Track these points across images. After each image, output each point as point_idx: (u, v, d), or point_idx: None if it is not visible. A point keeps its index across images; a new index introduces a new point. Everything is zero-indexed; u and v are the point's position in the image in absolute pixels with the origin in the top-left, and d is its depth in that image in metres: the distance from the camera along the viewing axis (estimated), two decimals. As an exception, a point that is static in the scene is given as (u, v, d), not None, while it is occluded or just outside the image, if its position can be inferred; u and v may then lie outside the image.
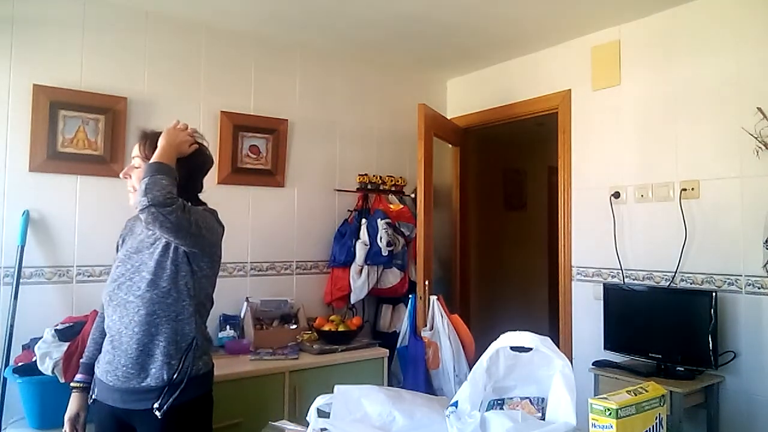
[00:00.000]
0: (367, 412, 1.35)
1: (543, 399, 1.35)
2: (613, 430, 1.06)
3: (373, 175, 3.68)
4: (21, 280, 2.51)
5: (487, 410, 1.33)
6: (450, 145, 4.03)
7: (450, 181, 4.10)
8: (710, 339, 2.47)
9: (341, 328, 3.03)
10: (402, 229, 3.55)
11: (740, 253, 2.57)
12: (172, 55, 2.99)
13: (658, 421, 1.14)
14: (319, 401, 1.40)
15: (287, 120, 3.34)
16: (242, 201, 3.19)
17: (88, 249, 2.69)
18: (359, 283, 3.36)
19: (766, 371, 2.48)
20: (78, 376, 1.79)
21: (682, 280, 2.76)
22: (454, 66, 3.89)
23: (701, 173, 2.71)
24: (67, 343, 2.22)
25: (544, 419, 1.29)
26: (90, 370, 1.76)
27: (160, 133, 1.73)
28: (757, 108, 2.48)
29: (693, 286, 2.71)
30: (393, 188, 3.75)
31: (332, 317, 3.15)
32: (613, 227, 3.02)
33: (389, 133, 3.82)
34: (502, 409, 1.35)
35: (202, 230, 1.66)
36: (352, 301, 3.42)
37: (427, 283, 3.30)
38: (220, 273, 1.86)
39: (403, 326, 3.35)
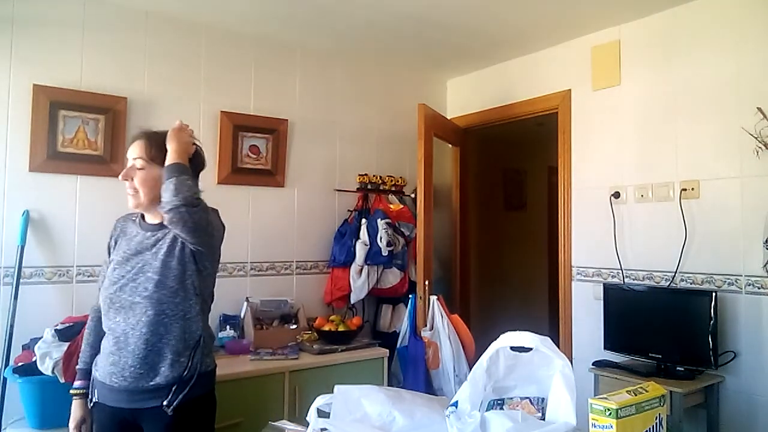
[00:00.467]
0: (367, 412, 1.35)
1: (543, 399, 1.35)
2: (613, 430, 1.06)
3: (373, 175, 3.68)
4: (21, 280, 2.51)
5: (487, 410, 1.33)
6: (450, 145, 4.03)
7: (450, 181, 4.10)
8: (710, 339, 2.47)
9: (341, 328, 3.03)
10: (402, 229, 3.55)
11: (740, 253, 2.57)
12: (172, 55, 2.99)
13: (658, 421, 1.14)
14: (319, 401, 1.40)
15: (287, 120, 3.34)
16: (242, 201, 3.19)
17: (88, 249, 2.69)
18: (359, 283, 3.36)
19: (766, 371, 2.48)
20: (77, 383, 1.77)
21: (682, 280, 2.76)
22: (454, 66, 3.89)
23: (701, 173, 2.71)
24: (67, 343, 2.22)
25: (544, 419, 1.30)
26: (89, 375, 1.75)
27: (163, 133, 1.74)
28: (757, 108, 2.48)
29: (693, 286, 2.71)
30: (393, 188, 3.75)
31: (332, 317, 3.15)
32: (613, 227, 3.02)
33: (389, 133, 3.82)
34: (502, 409, 1.35)
35: (213, 230, 1.72)
36: (352, 301, 3.42)
37: (427, 283, 3.30)
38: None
39: (403, 326, 3.35)
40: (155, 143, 1.74)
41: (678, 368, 2.55)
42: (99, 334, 1.75)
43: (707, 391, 2.54)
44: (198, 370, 1.68)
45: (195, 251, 1.69)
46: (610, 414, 1.06)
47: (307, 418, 1.38)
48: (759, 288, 2.51)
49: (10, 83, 2.56)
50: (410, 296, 3.37)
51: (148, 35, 2.92)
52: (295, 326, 3.07)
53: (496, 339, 1.37)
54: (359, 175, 3.64)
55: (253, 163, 3.23)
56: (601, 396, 1.11)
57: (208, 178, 1.94)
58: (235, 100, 3.18)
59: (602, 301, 2.90)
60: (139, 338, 1.63)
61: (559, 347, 1.32)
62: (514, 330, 1.36)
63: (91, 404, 1.73)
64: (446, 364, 3.12)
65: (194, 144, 1.79)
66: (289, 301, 3.19)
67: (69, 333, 2.27)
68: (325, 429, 1.30)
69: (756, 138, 2.49)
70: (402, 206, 3.69)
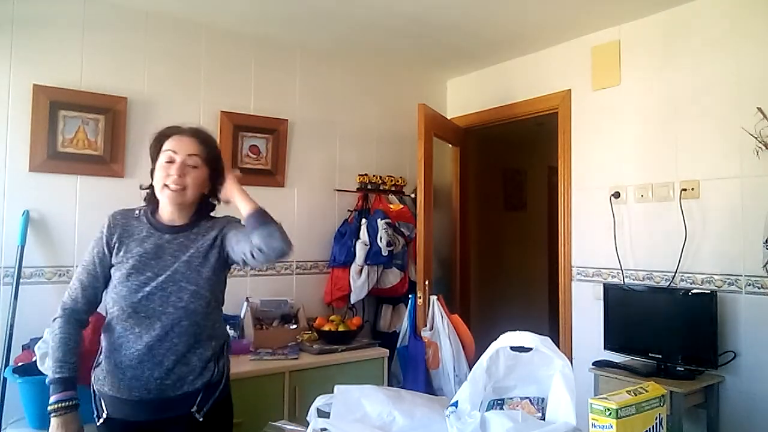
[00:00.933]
0: (367, 412, 1.35)
1: (543, 399, 1.35)
2: (613, 430, 1.06)
3: (373, 175, 3.68)
4: (21, 280, 2.51)
5: (487, 410, 1.33)
6: (450, 145, 4.03)
7: (450, 181, 4.10)
8: (710, 339, 2.47)
9: (341, 328, 3.03)
10: (402, 229, 3.54)
11: (740, 253, 2.57)
12: (172, 55, 2.99)
13: (658, 421, 1.14)
14: (319, 401, 1.41)
15: (287, 120, 3.34)
16: (242, 201, 3.19)
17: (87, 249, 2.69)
18: (359, 283, 3.36)
19: (766, 371, 2.48)
20: (64, 395, 1.51)
21: (682, 280, 2.76)
22: (454, 66, 3.89)
23: (701, 173, 2.71)
24: (67, 343, 2.21)
25: (544, 419, 1.29)
26: (74, 385, 1.56)
27: (210, 134, 1.74)
28: (757, 108, 2.48)
29: (693, 286, 2.71)
30: (393, 188, 3.75)
31: (332, 317, 3.15)
32: (613, 227, 3.02)
33: (389, 133, 3.82)
34: (502, 409, 1.35)
35: None
36: (352, 301, 3.42)
37: (427, 283, 3.30)
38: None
39: (403, 326, 3.35)
40: (207, 145, 1.69)
41: (678, 368, 2.55)
42: (79, 340, 1.61)
43: (707, 391, 2.54)
44: (225, 374, 1.68)
45: (232, 262, 1.68)
46: (610, 414, 1.06)
47: (307, 418, 1.38)
48: (759, 288, 2.50)
49: (10, 83, 2.56)
50: (410, 296, 3.37)
51: (148, 35, 2.92)
52: (295, 326, 3.08)
53: (496, 339, 1.37)
54: (359, 175, 3.64)
55: (253, 163, 3.23)
56: (601, 396, 1.11)
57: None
58: (235, 100, 3.18)
59: (602, 301, 2.90)
60: (169, 350, 1.56)
61: (559, 347, 1.32)
62: (514, 330, 1.36)
63: (100, 421, 1.60)
64: (446, 364, 3.12)
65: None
66: (289, 301, 3.19)
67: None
68: (325, 429, 1.30)
69: (756, 138, 2.49)
70: (402, 206, 3.69)
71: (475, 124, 3.97)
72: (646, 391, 1.14)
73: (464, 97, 4.06)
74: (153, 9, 2.90)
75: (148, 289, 1.57)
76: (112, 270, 1.62)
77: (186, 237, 1.65)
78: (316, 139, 3.49)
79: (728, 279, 2.61)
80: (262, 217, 1.62)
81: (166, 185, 1.61)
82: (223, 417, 1.70)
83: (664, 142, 2.86)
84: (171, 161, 1.62)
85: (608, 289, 2.91)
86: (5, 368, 2.36)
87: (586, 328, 3.15)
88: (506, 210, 5.41)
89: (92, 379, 1.64)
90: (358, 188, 3.63)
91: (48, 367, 1.57)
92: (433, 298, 3.26)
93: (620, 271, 2.99)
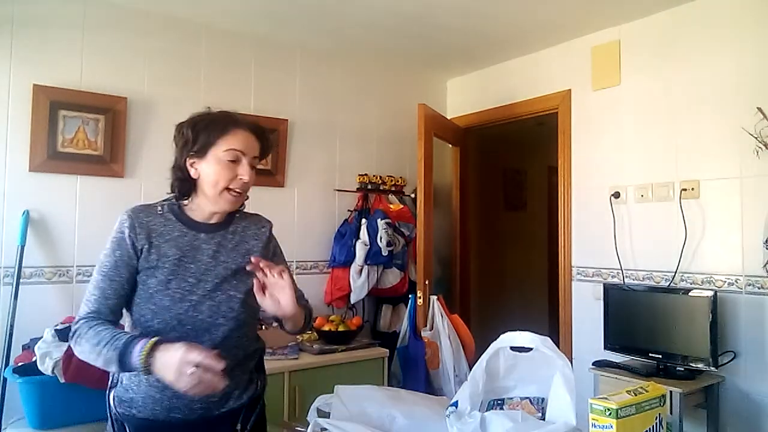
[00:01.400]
0: (367, 412, 1.35)
1: (543, 399, 1.35)
2: (613, 430, 1.06)
3: (373, 175, 3.68)
4: (21, 280, 2.51)
5: (487, 410, 1.33)
6: (450, 145, 4.03)
7: (450, 181, 4.10)
8: (710, 339, 2.47)
9: (341, 328, 3.03)
10: (402, 229, 3.54)
11: (740, 253, 2.57)
12: (172, 55, 2.99)
13: (658, 421, 1.14)
14: (319, 401, 1.41)
15: (287, 120, 3.34)
16: (242, 201, 3.19)
17: (88, 249, 2.69)
18: (359, 283, 3.36)
19: (766, 371, 2.48)
20: (144, 342, 1.24)
21: (682, 280, 2.76)
22: (454, 66, 3.89)
23: (701, 173, 2.71)
24: (67, 344, 2.21)
25: (544, 419, 1.29)
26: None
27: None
28: (757, 108, 2.48)
29: (693, 286, 2.71)
30: (393, 188, 3.75)
31: (332, 317, 3.15)
32: (613, 227, 3.02)
33: (389, 133, 3.82)
34: (502, 409, 1.35)
35: None
36: (352, 301, 3.42)
37: (427, 283, 3.29)
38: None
39: (403, 326, 3.35)
40: (264, 145, 1.52)
41: (678, 368, 2.55)
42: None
43: (707, 391, 2.54)
44: (264, 387, 1.57)
45: None
46: (610, 414, 1.06)
47: (307, 418, 1.38)
48: (759, 288, 2.50)
49: (10, 83, 2.56)
50: (410, 296, 3.37)
51: (148, 35, 2.92)
52: (295, 326, 3.07)
53: (496, 339, 1.37)
54: (359, 175, 3.64)
55: (253, 163, 3.22)
56: (601, 396, 1.11)
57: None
58: (235, 100, 3.18)
59: (602, 301, 2.90)
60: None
61: (559, 347, 1.32)
62: (514, 330, 1.36)
63: None
64: (446, 364, 3.12)
65: None
66: (289, 301, 3.19)
67: (69, 333, 2.26)
68: (325, 429, 1.30)
69: (756, 138, 2.49)
70: (402, 206, 3.69)
71: (475, 124, 3.97)
72: (646, 391, 1.14)
73: (464, 97, 4.06)
74: (153, 9, 2.90)
75: (194, 298, 1.39)
76: (142, 276, 1.40)
77: (223, 237, 1.48)
78: (316, 139, 3.49)
79: (728, 279, 2.61)
80: (304, 327, 1.54)
81: (229, 189, 1.42)
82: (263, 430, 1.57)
83: (664, 142, 2.86)
84: (236, 161, 1.43)
85: (608, 289, 2.91)
86: (5, 368, 2.36)
87: (586, 328, 3.15)
88: (506, 210, 5.41)
89: (110, 402, 1.42)
90: (358, 188, 3.63)
91: (105, 356, 1.25)
92: (433, 298, 3.26)
93: (620, 271, 2.99)
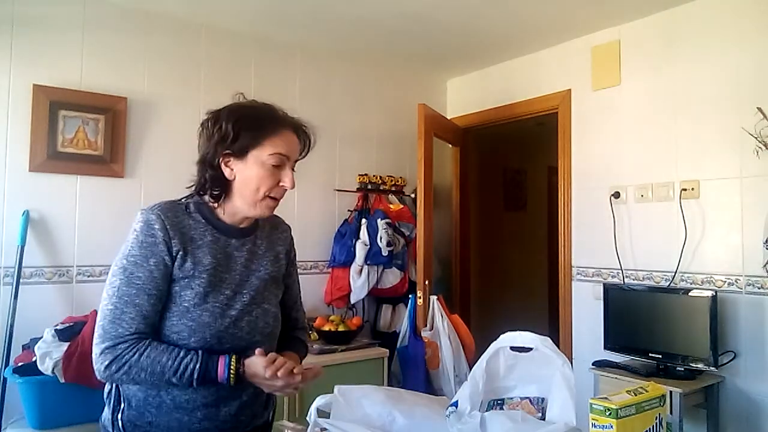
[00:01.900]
0: (367, 412, 1.34)
1: (543, 399, 1.35)
2: (613, 430, 1.06)
3: (373, 175, 3.68)
4: (21, 280, 2.51)
5: (487, 410, 1.33)
6: (450, 145, 4.03)
7: (450, 181, 4.10)
8: (710, 339, 2.47)
9: (341, 328, 3.03)
10: (402, 229, 3.54)
11: (740, 253, 2.57)
12: (172, 55, 2.99)
13: (658, 421, 1.14)
14: (319, 401, 1.40)
15: (287, 120, 3.34)
16: (242, 201, 3.19)
17: (88, 249, 2.69)
18: (359, 283, 3.36)
19: (766, 371, 2.48)
20: (222, 360, 1.21)
21: (682, 280, 2.76)
22: (454, 66, 3.89)
23: (701, 173, 2.71)
24: (67, 343, 2.22)
25: (544, 419, 1.29)
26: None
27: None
28: (757, 108, 2.48)
29: (693, 286, 2.71)
30: (393, 188, 3.75)
31: (332, 317, 3.15)
32: (613, 227, 3.02)
33: (389, 133, 3.82)
34: (502, 409, 1.35)
35: None
36: (352, 301, 3.42)
37: (427, 283, 3.29)
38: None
39: (403, 326, 3.35)
40: (306, 146, 1.44)
41: (678, 368, 2.55)
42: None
43: (707, 391, 2.54)
44: (275, 399, 1.49)
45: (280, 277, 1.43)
46: (610, 414, 1.06)
47: (307, 418, 1.38)
48: (759, 288, 2.50)
49: (10, 83, 2.56)
50: (410, 296, 3.37)
51: (148, 35, 2.92)
52: (295, 326, 3.07)
53: (496, 339, 1.37)
54: (359, 175, 3.64)
55: (253, 163, 3.22)
56: (601, 396, 1.11)
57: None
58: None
59: (602, 301, 2.90)
60: (250, 384, 1.25)
61: (559, 347, 1.32)
62: (514, 330, 1.36)
63: None
64: (446, 364, 3.12)
65: None
66: (289, 301, 3.19)
67: (69, 333, 2.27)
68: (325, 429, 1.30)
69: (756, 138, 2.49)
70: (402, 206, 3.69)
71: (475, 124, 3.97)
72: (646, 391, 1.14)
73: (464, 97, 4.06)
74: (153, 9, 2.90)
75: (233, 312, 1.26)
76: (175, 287, 1.23)
77: (252, 243, 1.36)
78: (316, 139, 3.49)
79: (728, 279, 2.61)
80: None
81: (271, 197, 1.31)
82: None
83: (664, 142, 2.86)
84: (280, 165, 1.31)
85: (608, 289, 2.91)
86: (5, 368, 2.36)
87: (586, 328, 3.15)
88: (506, 210, 5.41)
89: (119, 426, 1.26)
90: (358, 188, 3.63)
91: (179, 374, 1.18)
92: (433, 298, 3.26)
93: (620, 271, 2.99)
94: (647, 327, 2.71)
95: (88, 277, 2.70)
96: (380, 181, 3.69)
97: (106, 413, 1.30)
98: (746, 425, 2.52)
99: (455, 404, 1.31)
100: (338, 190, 3.57)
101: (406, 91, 3.89)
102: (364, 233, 3.39)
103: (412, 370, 3.14)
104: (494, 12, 2.92)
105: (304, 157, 1.44)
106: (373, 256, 3.36)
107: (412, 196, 3.72)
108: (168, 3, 2.85)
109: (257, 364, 1.21)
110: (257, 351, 1.23)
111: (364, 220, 3.44)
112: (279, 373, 1.20)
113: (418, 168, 3.35)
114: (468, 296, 4.17)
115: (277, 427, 1.52)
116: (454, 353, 3.13)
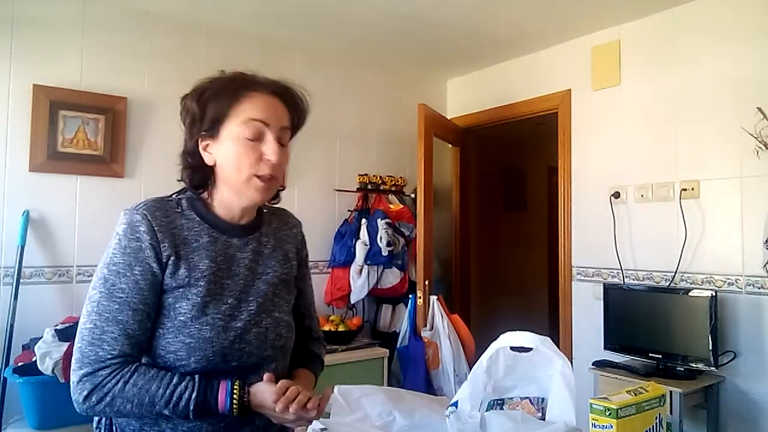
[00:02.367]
0: (367, 412, 1.34)
1: (543, 399, 1.34)
2: (613, 430, 1.06)
3: (373, 175, 3.68)
4: (21, 280, 2.51)
5: (487, 410, 1.33)
6: (450, 145, 4.03)
7: (450, 181, 4.10)
8: (710, 339, 2.47)
9: (341, 328, 3.03)
10: (402, 229, 3.55)
11: (740, 253, 2.57)
12: (172, 55, 2.99)
13: (658, 421, 1.14)
14: (319, 401, 1.40)
15: (287, 120, 3.34)
16: (242, 201, 3.19)
17: (88, 249, 2.70)
18: (359, 283, 3.36)
19: (766, 371, 2.48)
20: (224, 385, 1.05)
21: (682, 280, 2.76)
22: (454, 66, 3.89)
23: (701, 173, 2.71)
24: (67, 343, 2.22)
25: (544, 419, 1.29)
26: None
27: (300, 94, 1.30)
28: (757, 108, 2.48)
29: (693, 286, 2.71)
30: (393, 188, 3.75)
31: (332, 317, 3.15)
32: (613, 227, 3.02)
33: (389, 133, 3.82)
34: (502, 409, 1.35)
35: None
36: (352, 301, 3.42)
37: (427, 283, 3.30)
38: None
39: (403, 326, 3.35)
40: (298, 110, 1.23)
41: (678, 368, 2.55)
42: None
43: (707, 391, 2.54)
44: None
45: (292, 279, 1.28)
46: (610, 414, 1.06)
47: (307, 418, 1.37)
48: (759, 288, 2.50)
49: (10, 83, 2.57)
50: (410, 296, 3.37)
51: (148, 35, 2.92)
52: (295, 326, 3.07)
53: (496, 339, 1.37)
54: (359, 175, 3.64)
55: (253, 163, 3.22)
56: (601, 396, 1.11)
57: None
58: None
59: (602, 301, 2.90)
60: None
61: (559, 347, 1.31)
62: (514, 330, 1.36)
63: None
64: (446, 364, 3.12)
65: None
66: (289, 301, 3.19)
67: (69, 333, 2.27)
68: (325, 429, 1.29)
69: (756, 138, 2.49)
70: (402, 206, 3.69)
71: (475, 124, 3.97)
72: (646, 391, 1.14)
73: (464, 97, 4.06)
74: (153, 9, 2.90)
75: (238, 324, 1.09)
76: (168, 299, 1.06)
77: (257, 242, 1.19)
78: (316, 138, 3.49)
79: (728, 279, 2.61)
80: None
81: (257, 176, 1.10)
82: None
83: (664, 142, 2.86)
84: (258, 138, 1.10)
85: (608, 289, 2.91)
86: (5, 368, 2.36)
87: (586, 328, 3.15)
88: (506, 210, 5.41)
89: None
90: (358, 188, 3.63)
91: (171, 405, 1.01)
92: (433, 298, 3.26)
93: (620, 271, 2.99)
94: (647, 327, 2.71)
95: (88, 277, 2.70)
96: (380, 181, 3.69)
97: None
98: (746, 425, 2.53)
99: (455, 404, 1.31)
100: (338, 190, 3.57)
101: (406, 91, 3.89)
102: (364, 233, 3.39)
103: (412, 370, 3.14)
104: (494, 12, 2.92)
105: (299, 125, 1.24)
106: (373, 256, 3.36)
107: (412, 196, 3.72)
108: (168, 3, 2.85)
109: (265, 393, 1.04)
110: (265, 377, 1.06)
111: (364, 220, 3.45)
112: (291, 408, 1.03)
113: (418, 168, 3.35)
114: (468, 296, 4.17)
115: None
116: (454, 353, 3.13)
